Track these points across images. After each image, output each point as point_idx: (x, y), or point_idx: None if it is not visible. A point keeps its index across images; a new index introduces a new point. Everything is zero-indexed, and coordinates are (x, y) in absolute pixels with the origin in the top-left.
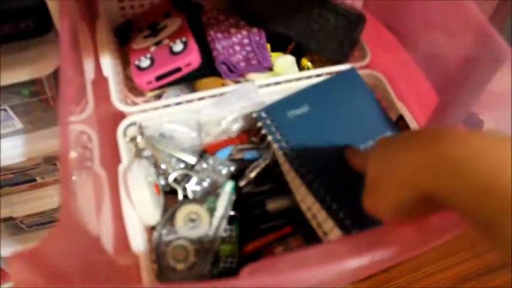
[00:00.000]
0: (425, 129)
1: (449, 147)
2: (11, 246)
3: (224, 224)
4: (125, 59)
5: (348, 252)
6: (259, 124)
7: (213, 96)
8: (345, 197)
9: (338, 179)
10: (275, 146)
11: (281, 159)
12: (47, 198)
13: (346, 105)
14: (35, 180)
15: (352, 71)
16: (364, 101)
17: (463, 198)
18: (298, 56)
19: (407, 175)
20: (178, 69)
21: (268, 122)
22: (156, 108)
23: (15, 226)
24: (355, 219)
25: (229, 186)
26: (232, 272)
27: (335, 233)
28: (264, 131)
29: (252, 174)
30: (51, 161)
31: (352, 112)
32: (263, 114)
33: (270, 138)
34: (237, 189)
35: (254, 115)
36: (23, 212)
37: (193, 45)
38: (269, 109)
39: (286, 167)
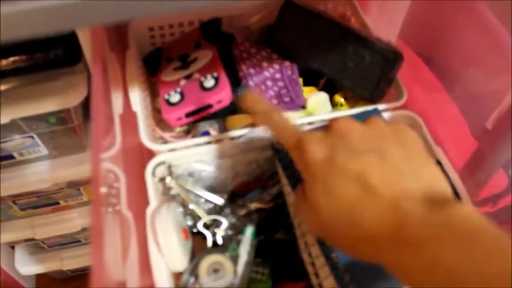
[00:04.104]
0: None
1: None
2: (31, 265)
3: (249, 271)
4: (153, 89)
5: None
6: (276, 160)
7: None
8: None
9: None
10: (286, 184)
11: (291, 198)
12: (69, 222)
13: None
14: (58, 203)
15: (375, 111)
16: None
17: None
18: (331, 90)
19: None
20: (209, 106)
21: (285, 158)
22: (186, 147)
23: (36, 245)
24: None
25: (249, 231)
26: None
27: None
28: (279, 167)
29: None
30: (75, 185)
31: None
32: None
33: (281, 173)
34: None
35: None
36: (45, 234)
37: (225, 82)
38: None
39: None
